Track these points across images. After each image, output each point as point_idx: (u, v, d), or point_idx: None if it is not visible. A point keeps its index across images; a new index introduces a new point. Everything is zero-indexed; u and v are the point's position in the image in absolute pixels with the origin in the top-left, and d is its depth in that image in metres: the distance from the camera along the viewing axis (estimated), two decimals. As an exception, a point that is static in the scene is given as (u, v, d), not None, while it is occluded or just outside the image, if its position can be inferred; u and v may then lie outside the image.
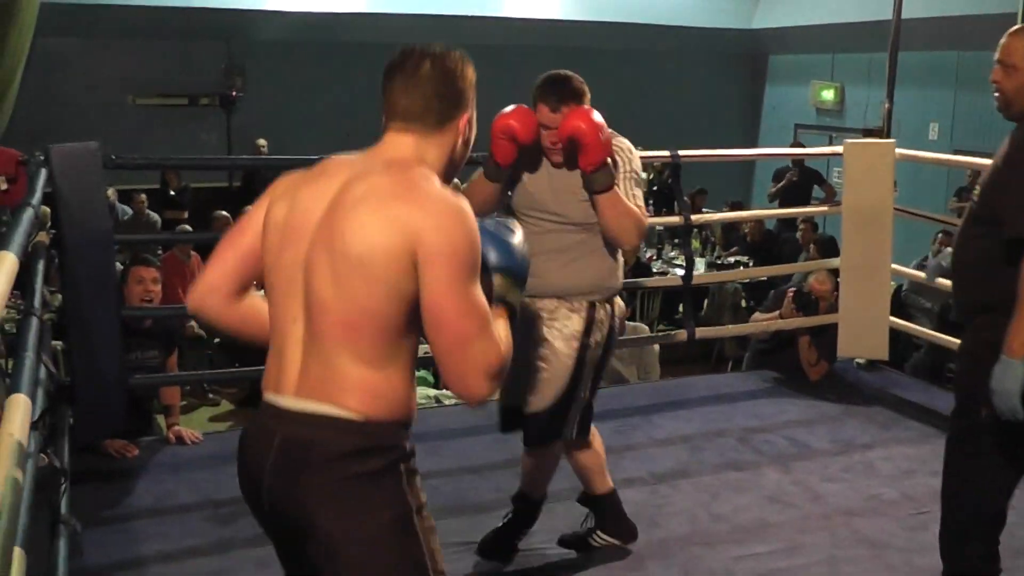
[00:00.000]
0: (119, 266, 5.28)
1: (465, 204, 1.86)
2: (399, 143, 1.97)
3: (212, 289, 2.06)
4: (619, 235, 3.24)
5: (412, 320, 1.86)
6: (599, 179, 3.14)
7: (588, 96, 3.24)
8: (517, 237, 2.13)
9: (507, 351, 1.91)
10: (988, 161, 6.88)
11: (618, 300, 3.51)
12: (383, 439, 1.87)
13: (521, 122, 3.19)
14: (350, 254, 1.81)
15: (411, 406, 1.94)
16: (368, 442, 1.85)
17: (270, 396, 1.94)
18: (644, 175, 3.32)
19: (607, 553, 3.65)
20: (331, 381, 1.85)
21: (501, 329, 1.94)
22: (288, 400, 1.89)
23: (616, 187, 3.17)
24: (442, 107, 1.97)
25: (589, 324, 3.31)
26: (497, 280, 2.07)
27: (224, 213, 9.90)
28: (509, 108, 3.23)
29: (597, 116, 3.12)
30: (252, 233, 2.03)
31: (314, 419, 1.85)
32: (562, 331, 3.30)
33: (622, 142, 3.32)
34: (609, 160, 3.15)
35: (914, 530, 3.91)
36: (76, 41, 11.66)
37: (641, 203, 3.28)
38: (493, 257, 2.07)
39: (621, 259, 3.43)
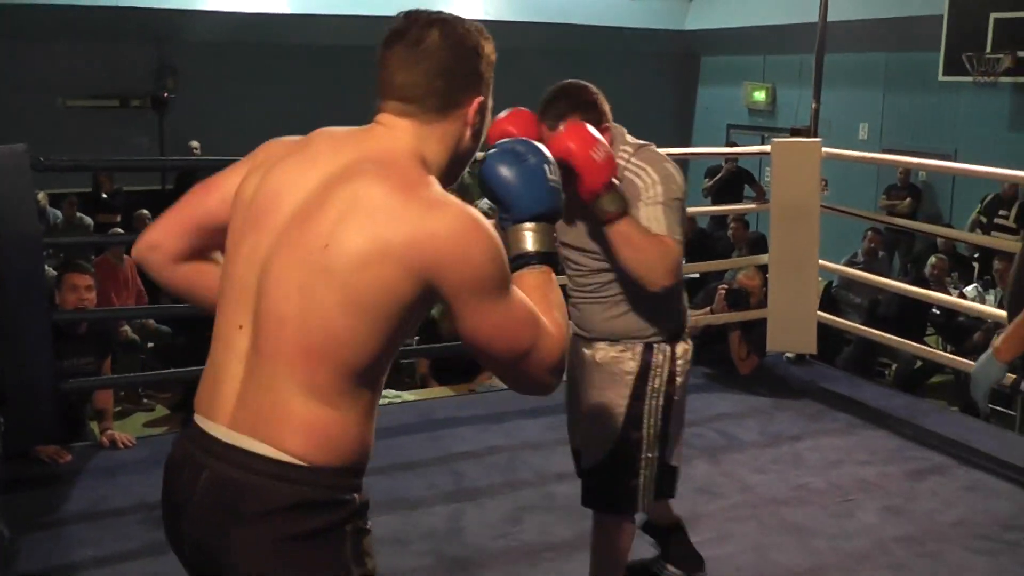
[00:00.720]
0: (52, 271, 5.24)
1: (474, 211, 1.55)
2: (394, 132, 1.64)
3: (154, 246, 1.81)
4: (640, 273, 2.68)
5: (389, 353, 1.59)
6: (601, 206, 2.60)
7: (602, 108, 2.81)
8: (536, 161, 1.74)
9: (562, 326, 1.65)
10: (915, 160, 7.05)
11: (684, 343, 2.96)
12: (328, 493, 1.57)
13: (519, 125, 2.70)
14: (334, 274, 1.50)
15: (366, 449, 1.63)
16: (309, 495, 1.55)
17: (201, 419, 1.64)
18: (676, 195, 2.76)
19: (538, 544, 3.71)
20: (273, 415, 1.54)
21: (553, 305, 1.66)
22: (220, 430, 1.59)
23: (629, 216, 2.63)
24: (449, 88, 1.64)
25: (644, 369, 2.87)
26: (530, 233, 1.72)
27: (146, 212, 9.85)
28: (503, 113, 2.75)
29: (594, 132, 2.60)
30: (219, 197, 1.76)
31: (249, 460, 1.55)
32: (612, 378, 2.89)
33: (646, 162, 2.81)
34: (616, 182, 2.61)
35: (840, 517, 4.01)
36: (3, 42, 11.48)
37: (670, 231, 2.69)
38: (520, 202, 1.73)
39: (680, 296, 2.97)
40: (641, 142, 2.87)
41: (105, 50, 12.06)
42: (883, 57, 12.54)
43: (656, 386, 2.88)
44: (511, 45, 14.01)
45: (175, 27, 12.19)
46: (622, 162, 2.79)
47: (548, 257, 1.72)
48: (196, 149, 11.68)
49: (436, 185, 1.58)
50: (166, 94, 12.56)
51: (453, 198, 1.56)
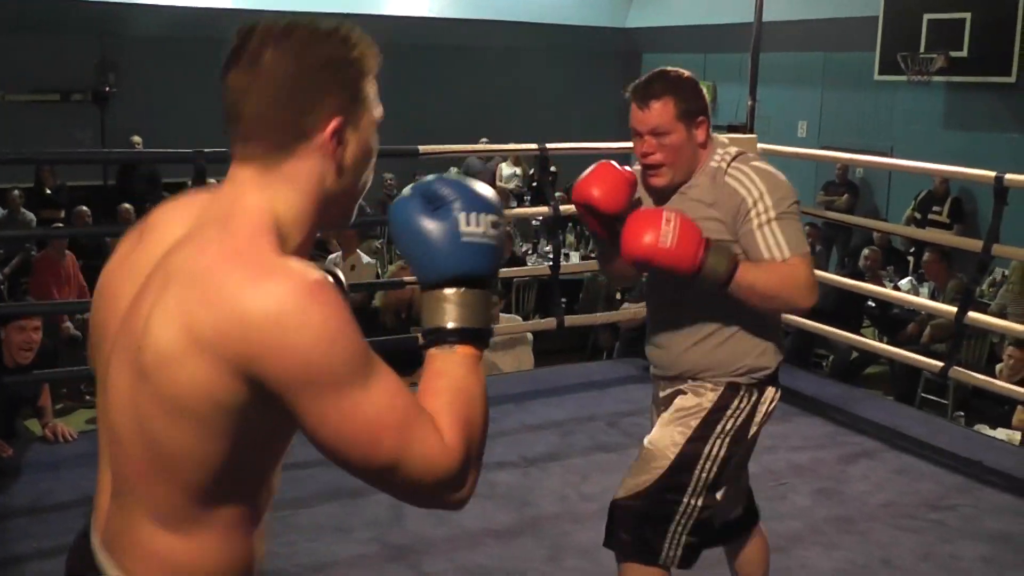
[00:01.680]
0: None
1: (308, 280, 1.21)
2: (236, 186, 1.32)
3: None
4: (785, 309, 2.56)
5: (243, 467, 1.30)
6: (708, 278, 2.33)
7: (700, 100, 2.52)
8: (457, 207, 1.34)
9: (467, 431, 1.29)
10: (848, 155, 7.18)
11: (772, 389, 2.64)
12: None
13: (603, 187, 2.48)
14: (149, 378, 1.23)
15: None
16: None
17: (91, 518, 1.44)
18: (790, 201, 2.45)
19: (479, 530, 3.78)
20: (124, 540, 1.34)
21: (461, 400, 1.30)
22: (96, 540, 1.39)
23: (742, 263, 2.36)
24: (294, 114, 1.30)
25: (719, 408, 2.54)
26: (444, 302, 1.34)
27: (85, 208, 9.82)
28: (588, 170, 2.53)
29: (668, 219, 2.30)
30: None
31: None
32: (679, 412, 2.57)
33: (747, 165, 2.48)
34: (709, 240, 2.32)
35: (773, 500, 4.11)
36: (-60, 36, 11.34)
37: (793, 247, 2.40)
38: (425, 263, 1.35)
39: (776, 330, 2.65)
40: (739, 149, 2.57)
41: (46, 44, 11.92)
42: (821, 57, 12.77)
43: (726, 429, 2.54)
44: (457, 42, 14.12)
45: (117, 21, 12.09)
46: (724, 165, 2.50)
47: (471, 334, 1.33)
48: (138, 144, 11.60)
49: (273, 249, 1.26)
50: (108, 89, 12.45)
51: (289, 265, 1.23)
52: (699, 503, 2.53)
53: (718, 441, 2.53)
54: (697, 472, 2.52)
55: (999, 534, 3.89)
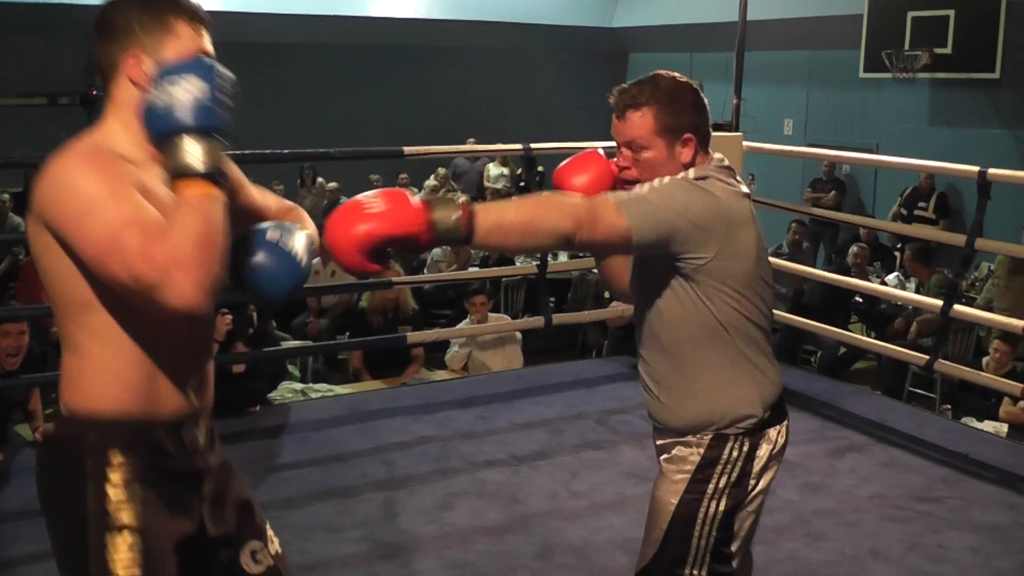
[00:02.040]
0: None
1: (87, 153, 1.71)
2: (101, 117, 1.85)
3: None
4: (545, 236, 1.99)
5: (94, 296, 1.72)
6: (447, 230, 1.89)
7: (691, 112, 2.19)
8: (165, 84, 1.67)
9: (170, 239, 1.58)
10: (834, 152, 7.19)
11: (771, 435, 2.29)
12: (74, 435, 1.79)
13: (585, 176, 2.25)
14: (31, 250, 1.76)
15: (124, 401, 1.78)
16: (60, 435, 1.82)
17: None
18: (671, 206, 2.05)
19: (470, 528, 3.80)
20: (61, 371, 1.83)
21: (174, 226, 1.60)
22: None
23: (480, 206, 1.92)
24: (103, 59, 1.80)
25: (707, 463, 2.24)
26: (173, 147, 1.65)
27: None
28: (572, 157, 2.32)
29: (367, 194, 1.89)
30: None
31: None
32: (668, 472, 2.30)
33: (685, 177, 2.15)
34: (423, 202, 1.89)
35: (761, 496, 4.15)
36: (-73, 41, 11.31)
37: (618, 197, 2.05)
38: (150, 121, 1.69)
39: (771, 369, 2.30)
40: (713, 172, 2.19)
41: (33, 47, 11.89)
42: (806, 55, 12.81)
43: (720, 486, 2.24)
44: (444, 43, 14.08)
45: (103, 25, 12.05)
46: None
47: (192, 169, 1.64)
48: (126, 148, 11.59)
49: (95, 144, 1.75)
50: (95, 92, 12.41)
51: (84, 150, 1.71)
52: (700, 573, 2.27)
53: (713, 502, 2.25)
54: (695, 539, 2.25)
55: (986, 525, 3.92)
